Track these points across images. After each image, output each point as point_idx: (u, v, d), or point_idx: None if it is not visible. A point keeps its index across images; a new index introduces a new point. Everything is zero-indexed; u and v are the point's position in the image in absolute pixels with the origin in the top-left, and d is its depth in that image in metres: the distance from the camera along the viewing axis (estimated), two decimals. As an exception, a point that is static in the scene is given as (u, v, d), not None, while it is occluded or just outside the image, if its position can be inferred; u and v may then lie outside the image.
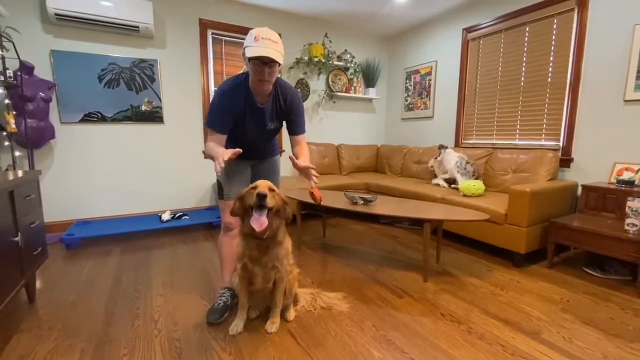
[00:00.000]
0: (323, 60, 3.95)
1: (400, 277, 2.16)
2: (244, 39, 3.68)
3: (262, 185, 1.41)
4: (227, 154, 1.37)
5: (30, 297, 1.82)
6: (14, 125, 2.39)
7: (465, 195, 2.73)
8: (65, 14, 2.69)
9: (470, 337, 1.52)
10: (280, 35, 3.79)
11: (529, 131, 3.02)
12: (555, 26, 2.76)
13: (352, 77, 4.37)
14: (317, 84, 4.18)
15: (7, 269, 1.44)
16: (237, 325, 1.56)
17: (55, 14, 2.66)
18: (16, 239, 1.54)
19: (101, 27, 2.93)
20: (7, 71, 2.22)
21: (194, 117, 3.52)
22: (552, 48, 2.79)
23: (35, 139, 2.67)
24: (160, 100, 3.33)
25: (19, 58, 2.40)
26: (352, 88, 4.37)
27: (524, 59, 3.00)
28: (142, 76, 3.23)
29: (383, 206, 2.32)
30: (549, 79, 2.83)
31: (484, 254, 2.60)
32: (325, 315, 1.71)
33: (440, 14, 3.78)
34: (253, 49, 1.41)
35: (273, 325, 1.58)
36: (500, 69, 3.22)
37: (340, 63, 4.18)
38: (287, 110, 1.69)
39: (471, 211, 2.19)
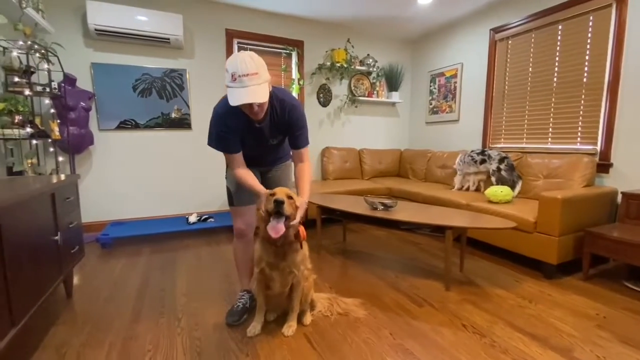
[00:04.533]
0: (345, 66, 3.96)
1: (421, 285, 2.11)
2: (268, 46, 3.79)
3: (280, 192, 1.42)
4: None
5: (68, 292, 1.96)
6: (57, 133, 2.59)
7: (491, 202, 2.62)
8: (104, 29, 2.89)
9: (494, 351, 1.46)
10: (303, 42, 3.87)
11: (563, 134, 2.86)
12: (590, 23, 2.60)
13: (374, 81, 4.35)
14: (340, 89, 4.20)
15: (48, 265, 1.56)
16: (254, 327, 1.60)
17: (95, 29, 2.87)
18: (56, 237, 1.67)
19: (136, 40, 3.12)
20: (52, 83, 2.42)
21: (220, 123, 3.64)
22: (588, 47, 2.63)
23: (76, 145, 2.88)
24: (188, 107, 3.49)
25: (63, 71, 2.62)
26: (375, 92, 4.34)
27: (557, 59, 2.85)
28: (172, 85, 3.40)
29: (404, 212, 2.28)
30: (585, 80, 2.67)
31: (512, 263, 2.48)
32: (342, 321, 1.71)
33: (466, 14, 3.68)
34: (232, 94, 1.31)
35: (290, 328, 1.60)
36: (530, 70, 3.08)
37: (363, 68, 4.17)
38: (287, 124, 1.59)
39: (497, 218, 2.10)
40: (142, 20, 2.99)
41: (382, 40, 4.41)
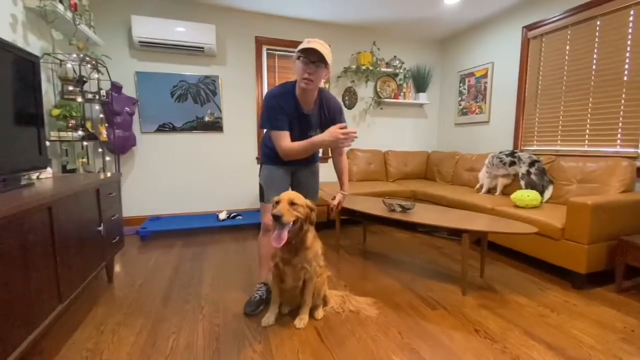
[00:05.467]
0: (371, 68, 3.98)
1: (437, 289, 2.10)
2: (295, 52, 3.91)
3: (284, 201, 1.51)
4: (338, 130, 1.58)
5: (109, 277, 2.20)
6: (105, 135, 2.89)
7: (517, 207, 2.53)
8: (147, 40, 3.17)
9: (504, 357, 1.43)
10: (330, 45, 3.95)
11: (601, 136, 2.68)
12: (632, 18, 2.42)
13: (401, 82, 4.32)
14: (365, 91, 4.23)
15: (91, 252, 1.78)
16: (269, 318, 1.70)
17: (139, 41, 3.16)
18: (99, 228, 1.89)
19: (174, 50, 3.39)
20: (101, 91, 2.71)
21: (249, 126, 3.83)
22: (629, 42, 2.45)
23: (121, 146, 3.18)
24: (220, 111, 3.71)
25: (110, 79, 2.91)
26: (402, 94, 4.32)
27: (595, 56, 2.68)
28: (206, 91, 3.64)
29: (421, 214, 2.27)
30: (625, 77, 2.49)
31: (537, 271, 2.38)
32: (353, 318, 1.76)
33: (496, 13, 3.56)
34: (303, 45, 1.55)
35: (301, 321, 1.68)
36: (565, 68, 2.92)
37: (389, 69, 4.17)
38: (331, 119, 1.79)
39: (517, 223, 2.04)
40: (179, 31, 3.24)
41: (409, 41, 4.37)
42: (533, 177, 2.76)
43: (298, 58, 1.59)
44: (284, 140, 1.67)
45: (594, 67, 2.70)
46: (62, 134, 2.39)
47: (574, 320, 1.73)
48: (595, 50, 2.68)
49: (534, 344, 1.53)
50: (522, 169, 2.85)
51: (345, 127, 1.61)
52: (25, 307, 1.18)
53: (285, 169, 1.87)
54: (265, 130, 1.86)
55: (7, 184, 1.50)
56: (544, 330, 1.63)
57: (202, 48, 3.38)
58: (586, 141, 2.79)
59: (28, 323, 1.19)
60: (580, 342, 1.54)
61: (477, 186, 3.34)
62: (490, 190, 3.20)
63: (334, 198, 2.05)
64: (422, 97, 4.35)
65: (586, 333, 1.61)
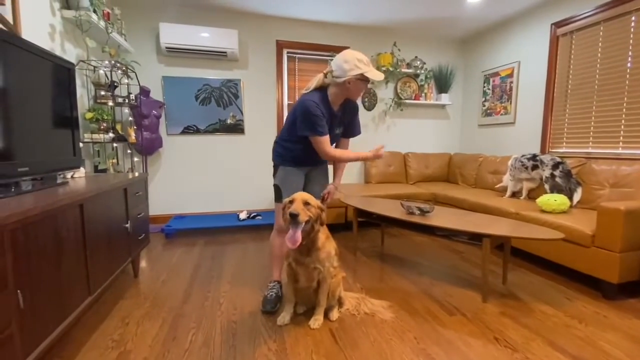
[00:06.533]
0: (391, 69, 3.95)
1: (456, 294, 2.05)
2: (315, 55, 3.95)
3: (298, 200, 1.53)
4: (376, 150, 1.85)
5: (135, 272, 2.31)
6: (134, 137, 3.04)
7: (544, 211, 2.42)
8: (174, 46, 3.31)
9: (524, 367, 1.38)
10: (349, 48, 3.96)
11: (637, 138, 2.52)
12: (672, 12, 2.28)
13: (422, 83, 4.25)
14: (385, 93, 4.19)
15: (119, 248, 1.88)
16: (284, 317, 1.72)
17: (166, 48, 3.30)
18: (126, 225, 1.99)
19: (198, 55, 3.51)
20: (131, 95, 2.85)
21: (269, 128, 3.90)
22: (669, 38, 2.30)
23: (149, 148, 3.33)
24: (242, 114, 3.80)
25: (139, 84, 3.07)
26: (423, 95, 4.25)
27: (630, 53, 2.53)
28: (228, 94, 3.74)
29: (441, 218, 2.23)
30: (665, 75, 2.33)
31: (565, 280, 2.27)
32: (368, 320, 1.75)
33: (523, 10, 3.43)
34: (374, 73, 1.75)
35: (316, 321, 1.69)
36: (598, 66, 2.77)
37: (410, 70, 4.12)
38: (351, 115, 1.98)
39: (542, 228, 1.96)
40: (204, 37, 3.36)
41: (430, 41, 4.30)
42: (558, 180, 2.64)
43: (361, 80, 1.75)
44: (329, 145, 1.81)
45: (628, 64, 2.54)
46: (95, 135, 2.54)
47: (604, 332, 1.64)
48: (630, 47, 2.52)
49: (557, 355, 1.46)
50: (546, 172, 2.73)
51: (381, 146, 1.88)
52: (58, 297, 1.26)
53: (300, 169, 1.93)
54: (281, 132, 1.92)
55: (44, 182, 1.62)
56: (569, 342, 1.56)
57: (225, 52, 3.48)
58: (620, 143, 2.63)
59: (60, 312, 1.28)
60: (609, 355, 1.46)
61: (498, 186, 3.24)
62: (515, 194, 3.09)
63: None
64: (444, 98, 4.26)
65: (616, 346, 1.52)
